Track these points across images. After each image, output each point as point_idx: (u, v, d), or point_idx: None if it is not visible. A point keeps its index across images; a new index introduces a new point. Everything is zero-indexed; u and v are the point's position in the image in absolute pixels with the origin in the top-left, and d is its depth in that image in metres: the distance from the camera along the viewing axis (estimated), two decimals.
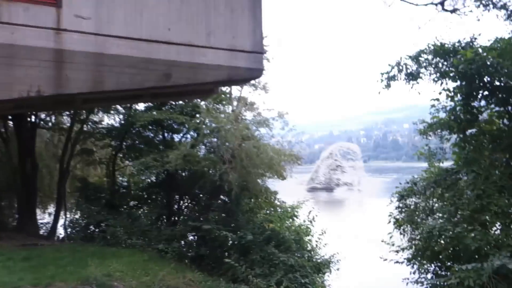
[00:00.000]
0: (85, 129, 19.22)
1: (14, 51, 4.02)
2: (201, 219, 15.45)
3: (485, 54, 10.08)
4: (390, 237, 12.23)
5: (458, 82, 11.18)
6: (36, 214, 18.31)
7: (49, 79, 4.26)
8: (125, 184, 19.84)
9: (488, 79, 10.65)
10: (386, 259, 12.10)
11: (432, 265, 11.44)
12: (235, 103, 16.46)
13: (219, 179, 14.02)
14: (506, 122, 11.44)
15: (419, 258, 11.38)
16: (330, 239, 15.51)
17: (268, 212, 17.24)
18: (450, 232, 10.24)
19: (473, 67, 9.89)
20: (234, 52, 5.68)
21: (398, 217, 12.40)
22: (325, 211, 48.35)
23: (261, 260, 13.63)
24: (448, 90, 11.19)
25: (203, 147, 17.29)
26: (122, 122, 18.50)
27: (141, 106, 18.34)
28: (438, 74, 11.29)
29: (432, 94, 11.86)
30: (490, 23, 14.71)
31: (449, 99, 11.27)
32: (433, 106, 11.66)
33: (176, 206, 17.93)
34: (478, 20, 12.60)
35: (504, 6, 13.12)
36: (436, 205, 12.09)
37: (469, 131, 11.76)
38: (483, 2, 13.32)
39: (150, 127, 17.92)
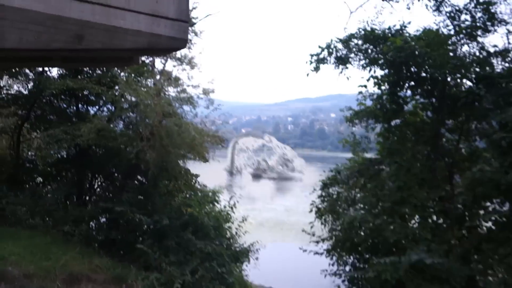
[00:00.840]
0: None
1: None
2: (115, 200, 14.70)
3: (413, 43, 10.15)
4: (311, 227, 12.23)
5: (386, 71, 11.25)
6: None
7: None
8: (32, 158, 18.49)
9: (415, 69, 10.79)
10: (305, 250, 12.10)
11: (351, 257, 11.60)
12: (157, 76, 15.77)
13: (135, 158, 13.35)
14: (430, 114, 11.71)
15: (338, 250, 11.48)
16: (252, 227, 15.37)
17: (188, 195, 16.82)
18: (371, 224, 10.34)
19: (401, 55, 10.00)
20: (156, 18, 5.30)
21: (320, 206, 12.41)
22: (258, 200, 48.90)
23: (176, 246, 13.30)
24: (376, 77, 11.25)
25: (121, 122, 16.49)
26: (31, 89, 17.10)
27: (55, 73, 17.19)
28: (367, 61, 11.37)
29: (360, 82, 11.89)
30: (419, 13, 15.01)
31: (377, 87, 11.32)
32: (360, 93, 11.71)
33: (88, 185, 16.98)
34: (409, 8, 12.76)
35: None
36: (359, 195, 12.22)
37: (394, 121, 11.92)
38: None
39: (63, 96, 16.77)
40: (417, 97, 12.00)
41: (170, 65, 17.92)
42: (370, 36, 11.36)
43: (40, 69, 16.83)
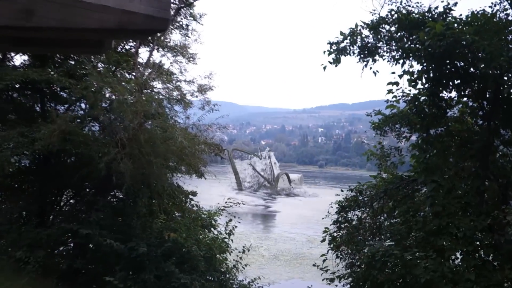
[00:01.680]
0: None
1: None
2: (82, 221, 14.54)
3: (459, 29, 9.78)
4: (324, 261, 11.87)
5: (425, 65, 10.88)
6: None
7: None
8: None
9: (461, 64, 10.40)
10: None
11: None
12: (141, 68, 15.70)
13: (106, 168, 13.15)
14: (480, 122, 11.29)
15: None
16: (264, 260, 15.08)
17: (177, 216, 16.64)
18: (398, 259, 9.95)
19: (442, 44, 9.57)
20: None
21: (336, 234, 12.06)
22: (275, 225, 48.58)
23: (155, 281, 13.13)
24: (411, 73, 10.86)
25: (97, 125, 16.44)
26: None
27: (19, 62, 17.25)
28: (400, 52, 10.95)
29: (391, 79, 11.51)
30: None
31: (412, 85, 10.95)
32: (390, 92, 11.33)
33: (52, 202, 16.86)
34: None
35: None
36: (386, 222, 11.84)
37: (434, 130, 11.55)
38: None
39: (25, 92, 16.73)
40: (464, 99, 11.61)
41: (162, 56, 17.95)
42: (405, 21, 11.00)
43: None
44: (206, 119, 16.87)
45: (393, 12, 11.22)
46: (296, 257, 33.51)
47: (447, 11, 11.11)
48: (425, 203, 10.87)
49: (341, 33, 11.58)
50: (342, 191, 12.76)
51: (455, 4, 11.09)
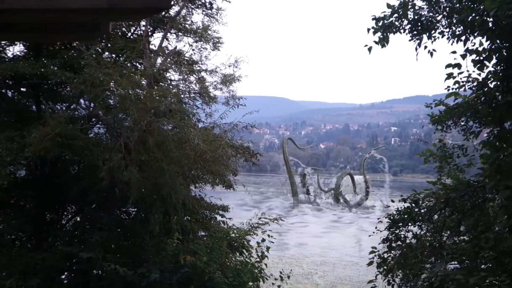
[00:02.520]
0: None
1: None
2: (84, 242, 14.75)
3: None
4: None
5: (497, 42, 10.59)
6: None
7: None
8: None
9: None
10: None
11: None
12: (153, 57, 15.89)
13: (109, 178, 13.32)
14: None
15: None
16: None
17: (200, 236, 16.74)
18: (462, 286, 9.73)
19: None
20: None
21: (386, 256, 11.87)
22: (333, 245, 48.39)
23: None
24: (476, 52, 10.58)
25: (103, 126, 16.70)
26: None
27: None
28: (462, 27, 10.71)
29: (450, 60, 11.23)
30: None
31: (478, 67, 10.66)
32: (450, 76, 11.07)
33: (52, 220, 17.17)
34: None
35: None
36: (448, 240, 11.60)
37: (510, 123, 11.23)
38: None
39: (20, 88, 17.11)
40: None
41: (178, 42, 18.11)
42: None
43: None
44: (236, 116, 16.93)
45: None
46: (358, 285, 33.19)
47: None
48: (498, 215, 10.59)
49: (389, 6, 11.41)
50: (392, 201, 12.53)
51: None
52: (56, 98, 16.96)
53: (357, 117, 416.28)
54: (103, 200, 15.53)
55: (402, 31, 11.37)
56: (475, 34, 10.74)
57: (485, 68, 10.85)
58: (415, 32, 11.27)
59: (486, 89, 11.03)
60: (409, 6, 11.27)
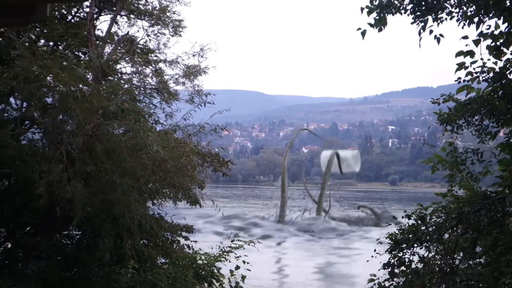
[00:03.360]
0: None
1: None
2: (15, 273, 14.70)
3: None
4: None
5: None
6: None
7: None
8: None
9: None
10: None
11: None
12: (103, 45, 15.86)
13: (47, 194, 13.27)
14: None
15: None
16: None
17: (161, 264, 16.78)
18: None
19: None
20: None
21: (387, 284, 11.97)
22: None
23: None
24: (493, 36, 10.74)
25: (36, 130, 16.64)
26: None
27: None
28: (475, 6, 10.86)
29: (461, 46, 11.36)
30: None
31: (494, 54, 10.82)
32: (461, 67, 11.21)
33: None
34: None
35: None
36: (462, 264, 11.73)
37: None
38: None
39: None
40: None
41: (131, 26, 18.08)
42: None
43: None
44: (203, 117, 16.93)
45: None
46: None
47: None
48: None
49: None
50: (395, 218, 12.56)
51: None
52: None
53: (347, 114, 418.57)
54: (40, 222, 15.45)
55: (402, 11, 11.45)
56: (490, 15, 10.89)
57: (502, 55, 11.02)
58: (418, 13, 11.37)
59: (504, 81, 11.18)
60: None
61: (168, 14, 17.51)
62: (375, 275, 12.36)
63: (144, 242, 16.70)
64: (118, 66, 16.75)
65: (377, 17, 11.55)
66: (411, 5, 11.43)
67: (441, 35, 11.53)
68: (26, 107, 16.13)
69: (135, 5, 17.53)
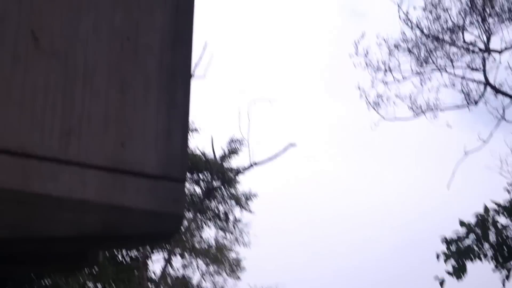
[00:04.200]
0: None
1: None
2: None
3: None
4: None
5: None
6: None
7: None
8: None
9: None
10: None
11: None
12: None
13: None
14: None
15: None
16: None
17: None
18: None
19: None
20: (120, 175, 5.15)
21: None
22: None
23: None
24: None
25: None
26: None
27: None
28: None
29: None
30: None
31: None
32: None
33: None
34: None
35: None
36: None
37: None
38: None
39: None
40: None
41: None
42: None
43: None
44: None
45: None
46: None
47: None
48: None
49: (462, 223, 11.23)
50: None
51: None
52: None
53: None
54: None
55: (482, 256, 11.15)
56: None
57: None
58: (500, 260, 11.06)
59: None
60: (489, 224, 11.16)
61: (225, 252, 17.37)
62: None
63: None
64: None
65: (455, 265, 11.25)
66: (492, 251, 11.15)
67: None
68: None
69: (189, 242, 17.42)
